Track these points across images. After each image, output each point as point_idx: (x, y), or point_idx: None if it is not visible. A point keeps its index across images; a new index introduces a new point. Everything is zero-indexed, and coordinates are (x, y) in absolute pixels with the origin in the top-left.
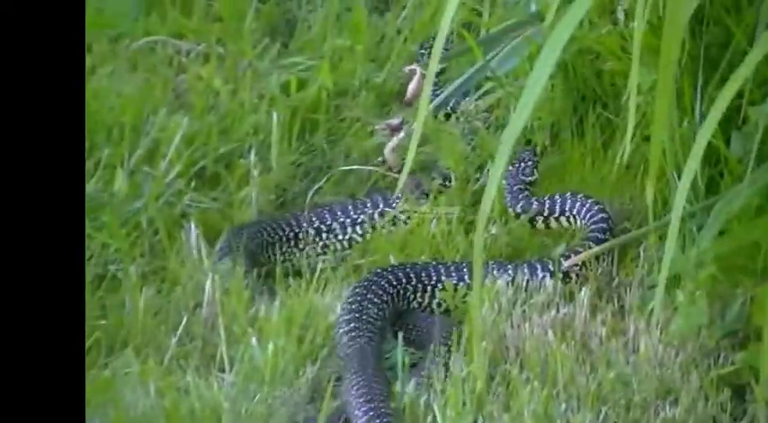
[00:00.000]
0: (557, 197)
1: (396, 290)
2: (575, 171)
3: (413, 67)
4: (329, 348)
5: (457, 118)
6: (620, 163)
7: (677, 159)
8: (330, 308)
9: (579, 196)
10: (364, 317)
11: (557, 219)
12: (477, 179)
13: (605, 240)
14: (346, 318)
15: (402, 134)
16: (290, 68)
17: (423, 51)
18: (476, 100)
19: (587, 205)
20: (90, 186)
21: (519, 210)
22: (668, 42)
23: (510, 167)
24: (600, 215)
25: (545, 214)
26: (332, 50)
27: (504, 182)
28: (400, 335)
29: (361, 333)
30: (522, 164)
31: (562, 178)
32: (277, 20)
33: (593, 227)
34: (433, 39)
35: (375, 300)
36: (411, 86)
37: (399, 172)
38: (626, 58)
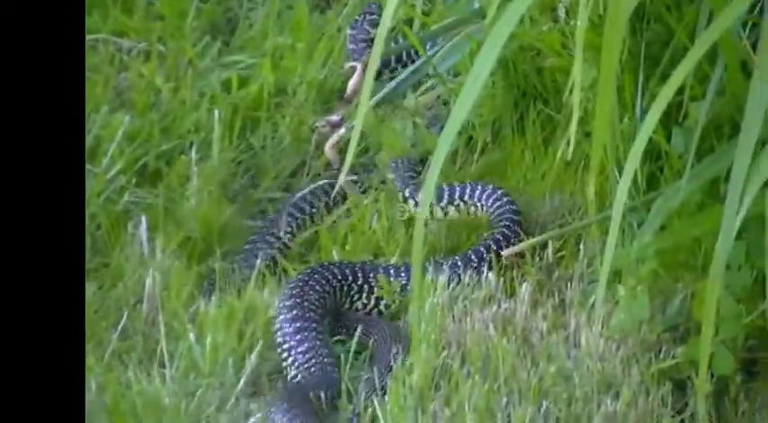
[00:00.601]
0: (456, 185)
1: (339, 284)
2: (515, 167)
3: (353, 63)
4: (269, 342)
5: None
6: (560, 159)
7: (618, 155)
8: (269, 304)
9: (482, 184)
10: (305, 303)
11: (456, 206)
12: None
13: (515, 230)
14: (287, 303)
15: (342, 130)
16: (232, 66)
17: (353, 32)
18: (417, 96)
19: (492, 194)
20: None
21: (407, 194)
22: (609, 39)
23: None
24: (508, 206)
25: (445, 201)
26: (273, 48)
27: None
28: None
29: (302, 314)
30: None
31: (503, 175)
32: (218, 18)
33: (500, 216)
34: (363, 16)
35: (317, 288)
36: (351, 83)
37: (339, 168)
38: (567, 55)
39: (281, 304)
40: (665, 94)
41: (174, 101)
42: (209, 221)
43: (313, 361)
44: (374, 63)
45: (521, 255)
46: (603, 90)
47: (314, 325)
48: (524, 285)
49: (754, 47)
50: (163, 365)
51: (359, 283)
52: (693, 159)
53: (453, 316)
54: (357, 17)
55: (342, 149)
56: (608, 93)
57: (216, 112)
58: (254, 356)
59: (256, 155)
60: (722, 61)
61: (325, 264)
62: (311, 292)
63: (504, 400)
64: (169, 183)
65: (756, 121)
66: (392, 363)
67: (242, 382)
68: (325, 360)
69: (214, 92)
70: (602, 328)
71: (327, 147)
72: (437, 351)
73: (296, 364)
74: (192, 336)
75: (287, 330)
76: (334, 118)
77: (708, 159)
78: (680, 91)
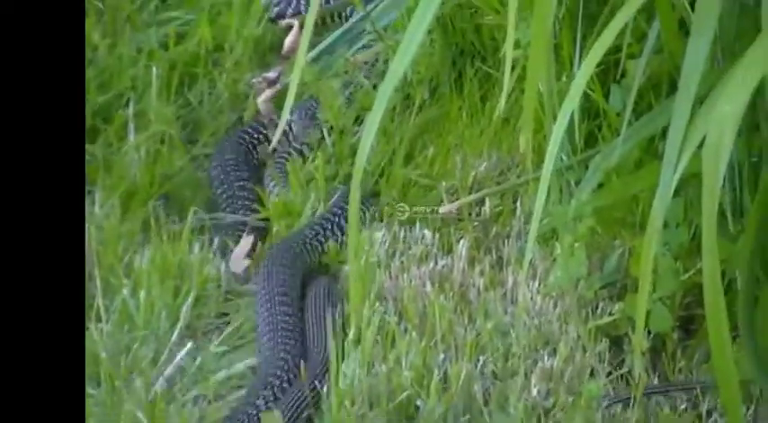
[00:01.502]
0: None
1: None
2: (453, 125)
3: (291, 20)
4: (204, 297)
5: (337, 73)
6: (498, 116)
7: (556, 113)
8: (205, 260)
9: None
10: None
11: None
12: (356, 132)
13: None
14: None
15: (278, 86)
16: (169, 23)
17: None
18: (355, 53)
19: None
20: None
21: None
22: None
23: None
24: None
25: None
26: (210, 4)
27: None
28: None
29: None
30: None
31: (440, 132)
32: None
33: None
34: None
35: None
36: (288, 39)
37: (272, 122)
38: (505, 13)
39: None
40: (599, 47)
41: (110, 57)
42: (150, 174)
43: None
44: (311, 18)
45: (458, 211)
46: (536, 45)
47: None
48: (461, 242)
49: (692, 5)
50: (100, 320)
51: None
52: (631, 117)
53: (390, 273)
54: None
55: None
56: (541, 48)
57: (153, 69)
58: (185, 308)
59: (194, 111)
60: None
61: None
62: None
63: (441, 356)
64: (107, 139)
65: (693, 79)
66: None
67: (175, 334)
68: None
69: (152, 48)
70: (540, 285)
71: (260, 100)
72: (373, 308)
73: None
74: (125, 291)
75: None
76: (271, 74)
77: (646, 117)
78: (617, 49)
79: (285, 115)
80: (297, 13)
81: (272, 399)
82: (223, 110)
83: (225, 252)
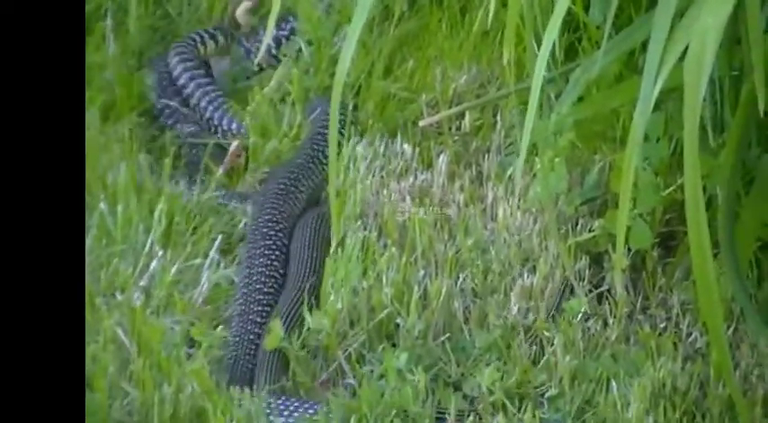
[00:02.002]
0: None
1: None
2: (432, 37)
3: None
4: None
5: None
6: (478, 29)
7: (536, 26)
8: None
9: None
10: None
11: None
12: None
13: None
14: None
15: None
16: None
17: None
18: None
19: None
20: None
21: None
22: None
23: None
24: None
25: None
26: None
27: None
28: None
29: None
30: None
31: (419, 45)
32: None
33: None
34: None
35: None
36: None
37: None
38: None
39: None
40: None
41: None
42: (128, 85)
43: None
44: None
45: (438, 124)
46: None
47: None
48: (441, 157)
49: None
50: None
51: None
52: (611, 30)
53: (370, 187)
54: None
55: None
56: None
57: None
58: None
59: (173, 22)
60: None
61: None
62: None
63: (421, 272)
64: (86, 50)
65: None
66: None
67: (149, 242)
68: None
69: None
70: (520, 200)
71: (239, 12)
72: (355, 223)
73: None
74: (102, 205)
75: None
76: None
77: (626, 31)
78: None
79: (270, 29)
80: None
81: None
82: (202, 20)
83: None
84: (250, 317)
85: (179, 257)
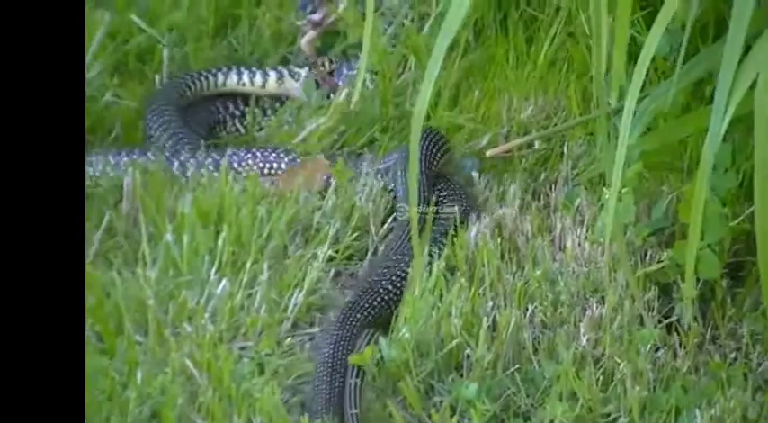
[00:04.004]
0: None
1: None
2: (498, 68)
3: None
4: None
5: (382, 13)
6: (544, 59)
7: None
8: (240, 201)
9: None
10: None
11: None
12: (400, 75)
13: None
14: None
15: (322, 28)
16: None
17: None
18: None
19: None
20: None
21: None
22: None
23: None
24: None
25: None
26: None
27: None
28: None
29: None
30: None
31: (485, 75)
32: None
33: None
34: None
35: None
36: None
37: (315, 62)
38: None
39: None
40: (667, 8)
41: None
42: None
43: None
44: None
45: (505, 154)
46: None
47: None
48: (511, 188)
49: None
50: (145, 264)
51: None
52: (679, 61)
53: None
54: None
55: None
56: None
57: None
58: (221, 242)
59: (237, 52)
60: None
61: None
62: None
63: (490, 304)
64: (149, 81)
65: (743, 22)
66: None
67: (212, 274)
68: None
69: None
70: (588, 231)
71: (303, 42)
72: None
73: None
74: (168, 236)
75: None
76: (316, 17)
77: (694, 60)
78: None
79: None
80: None
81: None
82: (266, 51)
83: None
84: (343, 343)
85: (243, 284)
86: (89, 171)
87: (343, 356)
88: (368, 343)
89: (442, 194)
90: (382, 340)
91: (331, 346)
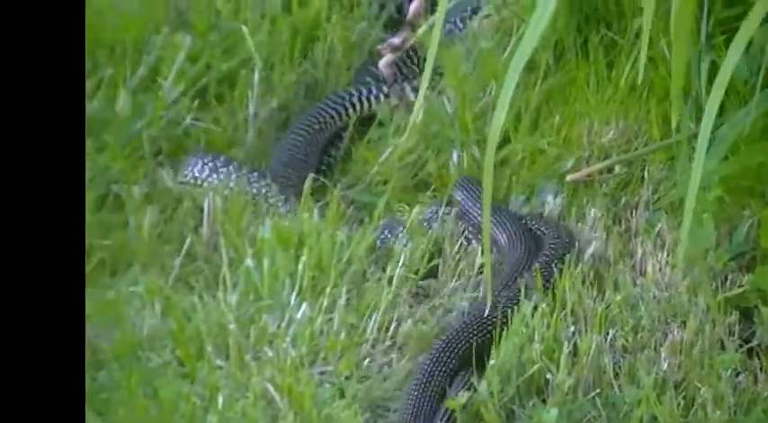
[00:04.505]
0: None
1: None
2: (579, 92)
3: None
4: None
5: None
6: (624, 84)
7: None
8: (320, 227)
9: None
10: None
11: None
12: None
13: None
14: None
15: (401, 51)
16: None
17: None
18: (480, 19)
19: None
20: (92, 106)
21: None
22: None
23: None
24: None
25: None
26: None
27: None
28: None
29: None
30: None
31: (566, 99)
32: None
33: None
34: None
35: None
36: (413, 5)
37: (394, 85)
38: None
39: None
40: (744, 33)
41: (234, 22)
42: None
43: None
44: None
45: (586, 178)
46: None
47: None
48: (592, 211)
49: None
50: (227, 290)
51: None
52: (759, 85)
53: None
54: None
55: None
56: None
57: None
58: (301, 266)
59: (314, 75)
60: None
61: None
62: None
63: (571, 329)
64: (230, 105)
65: None
66: None
67: (293, 299)
68: None
69: (275, 12)
70: (668, 255)
71: (382, 64)
72: None
73: None
74: (249, 261)
75: None
76: (395, 40)
77: None
78: (743, 15)
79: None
80: None
81: None
82: (344, 72)
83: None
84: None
85: (323, 309)
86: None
87: (434, 392)
88: (464, 385)
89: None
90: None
91: (423, 381)
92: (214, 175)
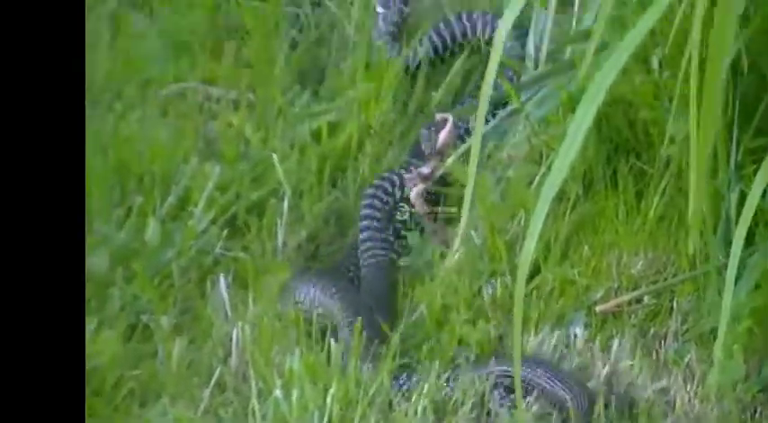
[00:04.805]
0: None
1: None
2: (608, 222)
3: (445, 114)
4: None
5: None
6: (653, 214)
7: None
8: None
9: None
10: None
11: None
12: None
13: None
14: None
15: (431, 181)
16: (321, 115)
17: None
18: (508, 149)
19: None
20: (121, 235)
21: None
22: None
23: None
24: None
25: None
26: (361, 97)
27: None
28: None
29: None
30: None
31: (595, 229)
32: (307, 66)
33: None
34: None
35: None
36: (442, 135)
37: (426, 215)
38: (660, 107)
39: None
40: None
41: (263, 151)
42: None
43: None
44: (481, 119)
45: (615, 309)
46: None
47: None
48: (622, 342)
49: None
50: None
51: None
52: None
53: None
54: None
55: (428, 198)
56: (703, 155)
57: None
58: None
59: (344, 203)
60: None
61: None
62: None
63: None
64: (259, 234)
65: None
66: None
67: None
68: None
69: (304, 142)
70: (698, 387)
71: (413, 195)
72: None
73: None
74: (278, 391)
75: None
76: (425, 170)
77: None
78: None
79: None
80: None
81: None
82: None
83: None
84: None
85: None
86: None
87: None
88: None
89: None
90: None
91: None
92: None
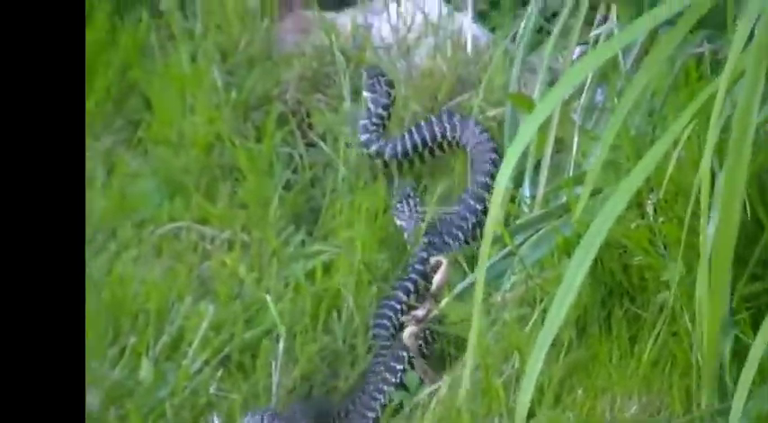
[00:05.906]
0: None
1: None
2: (602, 366)
3: (439, 258)
4: None
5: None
6: (647, 359)
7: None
8: None
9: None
10: None
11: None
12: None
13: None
14: None
15: (424, 324)
16: (315, 256)
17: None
18: (504, 292)
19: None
20: (115, 374)
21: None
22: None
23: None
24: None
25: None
26: (354, 238)
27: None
28: None
29: None
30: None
31: (589, 373)
32: (301, 207)
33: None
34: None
35: None
36: (437, 278)
37: (418, 355)
38: (654, 252)
39: None
40: None
41: (257, 291)
42: None
43: None
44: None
45: None
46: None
47: None
48: None
49: None
50: None
51: None
52: None
53: None
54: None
55: (420, 338)
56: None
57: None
58: None
59: (337, 345)
60: None
61: None
62: None
63: None
64: (253, 374)
65: None
66: None
67: None
68: None
69: (298, 282)
70: None
71: (405, 336)
72: None
73: None
74: None
75: None
76: (419, 312)
77: None
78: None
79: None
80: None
81: None
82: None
83: None
84: None
85: None
86: None
87: None
88: None
89: None
90: None
91: None
92: None
